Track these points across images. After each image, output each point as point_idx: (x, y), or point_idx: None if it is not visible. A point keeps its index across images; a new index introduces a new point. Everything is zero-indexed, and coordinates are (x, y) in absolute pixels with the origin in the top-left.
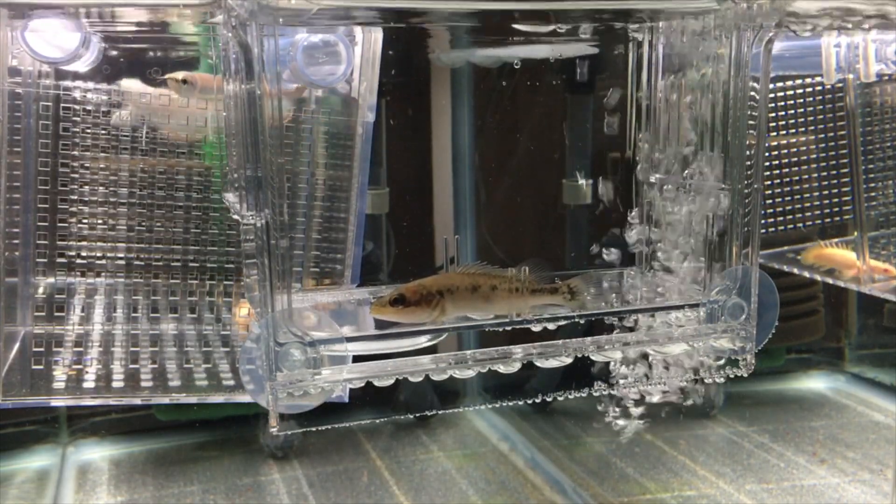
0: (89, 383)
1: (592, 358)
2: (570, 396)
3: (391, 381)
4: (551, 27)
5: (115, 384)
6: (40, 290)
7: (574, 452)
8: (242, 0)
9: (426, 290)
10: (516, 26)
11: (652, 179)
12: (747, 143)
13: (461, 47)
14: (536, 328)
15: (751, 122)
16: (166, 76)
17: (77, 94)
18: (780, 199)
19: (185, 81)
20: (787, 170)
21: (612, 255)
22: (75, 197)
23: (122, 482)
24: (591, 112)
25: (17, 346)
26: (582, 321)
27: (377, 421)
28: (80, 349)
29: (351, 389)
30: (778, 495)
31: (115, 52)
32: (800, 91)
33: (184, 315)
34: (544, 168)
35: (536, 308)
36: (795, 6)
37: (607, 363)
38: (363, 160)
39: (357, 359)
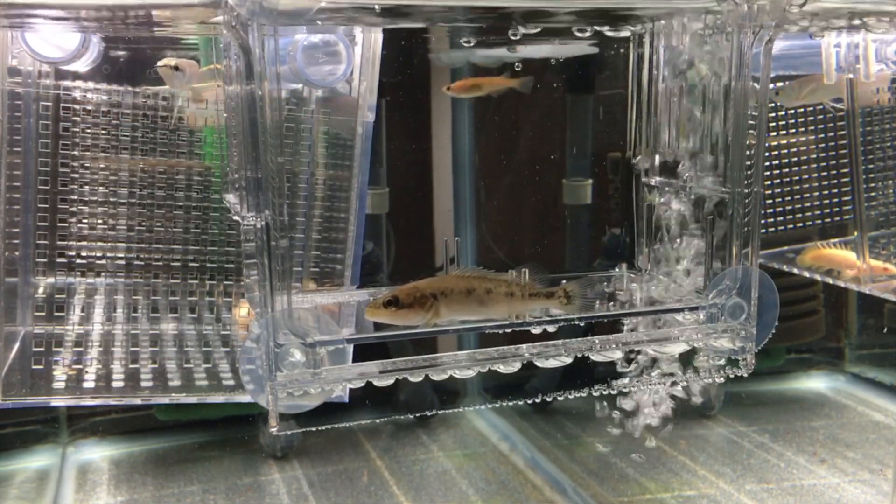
0: (89, 383)
1: (592, 358)
2: (570, 396)
3: (391, 381)
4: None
5: (115, 384)
6: (40, 290)
7: (574, 452)
8: (243, 0)
9: (420, 293)
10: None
11: (652, 182)
12: (747, 143)
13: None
14: (536, 330)
15: (751, 122)
16: (158, 64)
17: (77, 94)
18: (780, 199)
19: (176, 68)
20: (787, 170)
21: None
22: (75, 197)
23: (122, 482)
24: (591, 112)
25: (17, 346)
26: (581, 324)
27: (377, 421)
28: (80, 349)
29: (351, 389)
30: (778, 495)
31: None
32: None
33: (184, 315)
34: (544, 168)
35: (534, 312)
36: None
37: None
38: (363, 160)
39: (357, 358)
